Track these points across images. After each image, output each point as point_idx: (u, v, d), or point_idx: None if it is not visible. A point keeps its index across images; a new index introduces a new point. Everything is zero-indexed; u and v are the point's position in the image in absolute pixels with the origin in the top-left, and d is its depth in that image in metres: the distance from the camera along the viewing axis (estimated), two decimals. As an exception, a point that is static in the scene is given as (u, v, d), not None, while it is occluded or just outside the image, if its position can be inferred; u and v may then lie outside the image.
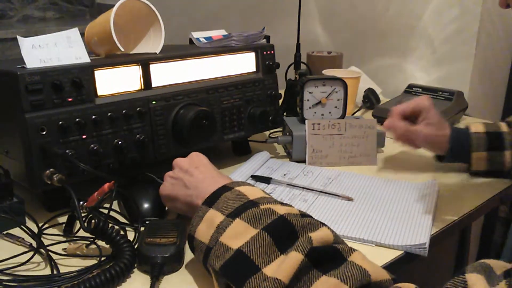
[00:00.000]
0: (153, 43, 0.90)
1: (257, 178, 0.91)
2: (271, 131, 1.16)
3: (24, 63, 0.72)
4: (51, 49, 0.75)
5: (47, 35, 0.75)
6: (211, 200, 0.62)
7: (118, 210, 0.80)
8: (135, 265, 0.64)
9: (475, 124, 0.95)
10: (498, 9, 1.39)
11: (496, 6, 1.39)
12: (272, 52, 1.00)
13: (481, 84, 1.46)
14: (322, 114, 1.05)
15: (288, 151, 1.06)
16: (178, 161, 0.75)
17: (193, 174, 0.70)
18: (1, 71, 0.74)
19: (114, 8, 0.82)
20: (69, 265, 0.65)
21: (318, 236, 0.52)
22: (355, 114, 1.32)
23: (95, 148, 0.76)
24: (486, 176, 0.95)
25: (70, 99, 0.74)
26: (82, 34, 0.81)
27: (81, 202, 0.67)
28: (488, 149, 0.91)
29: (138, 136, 0.81)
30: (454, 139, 0.93)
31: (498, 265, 0.44)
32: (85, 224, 0.65)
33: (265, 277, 0.50)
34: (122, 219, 0.77)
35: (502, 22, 1.44)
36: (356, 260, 0.50)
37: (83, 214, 0.66)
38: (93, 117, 0.76)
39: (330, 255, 0.51)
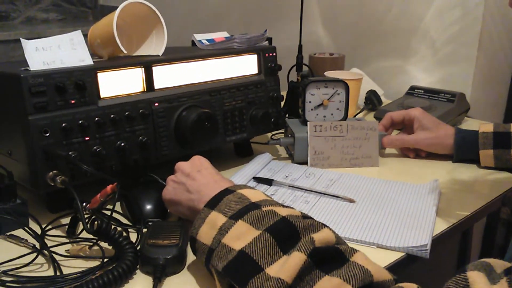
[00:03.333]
0: (155, 46, 0.90)
1: (259, 180, 0.91)
2: (273, 133, 1.16)
3: (28, 65, 0.72)
4: (54, 52, 0.75)
5: (51, 38, 0.75)
6: (213, 203, 0.62)
7: (120, 211, 0.80)
8: (138, 267, 0.64)
9: (485, 125, 1.00)
10: (500, 10, 1.39)
11: (498, 7, 1.39)
12: (274, 54, 1.01)
13: (483, 85, 1.45)
14: (324, 116, 1.05)
15: (290, 153, 1.07)
16: (180, 165, 0.75)
17: (195, 178, 0.71)
18: (5, 73, 0.75)
19: (117, 11, 0.82)
20: (72, 266, 0.65)
21: (320, 237, 0.52)
22: (357, 116, 1.32)
23: (98, 150, 0.76)
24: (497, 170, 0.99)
25: (73, 101, 0.74)
26: (85, 36, 0.81)
27: (84, 204, 0.67)
28: (495, 147, 0.96)
29: (140, 138, 0.81)
30: (460, 138, 1.00)
31: (499, 264, 0.44)
32: (88, 225, 0.65)
33: (268, 277, 0.50)
34: (124, 221, 0.78)
35: (504, 24, 1.44)
36: (358, 260, 0.50)
37: (86, 216, 0.66)
38: (96, 119, 0.76)
39: (333, 256, 0.51)
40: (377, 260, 0.53)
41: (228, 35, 1.01)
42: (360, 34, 1.67)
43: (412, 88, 1.38)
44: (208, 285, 0.62)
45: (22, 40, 0.73)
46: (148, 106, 0.82)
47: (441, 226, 0.78)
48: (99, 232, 0.65)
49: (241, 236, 0.55)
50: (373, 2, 1.62)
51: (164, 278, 0.63)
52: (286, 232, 0.54)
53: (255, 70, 0.99)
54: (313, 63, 1.42)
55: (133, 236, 0.71)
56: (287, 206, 0.60)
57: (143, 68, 0.83)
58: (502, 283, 0.41)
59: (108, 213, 0.70)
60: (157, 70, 0.84)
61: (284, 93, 1.10)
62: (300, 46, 1.27)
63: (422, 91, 1.35)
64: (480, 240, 1.60)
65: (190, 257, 0.66)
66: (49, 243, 0.69)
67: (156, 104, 0.83)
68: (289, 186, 0.89)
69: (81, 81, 0.74)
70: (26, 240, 0.70)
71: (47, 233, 0.73)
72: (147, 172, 0.84)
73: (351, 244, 0.55)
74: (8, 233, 0.73)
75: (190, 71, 0.90)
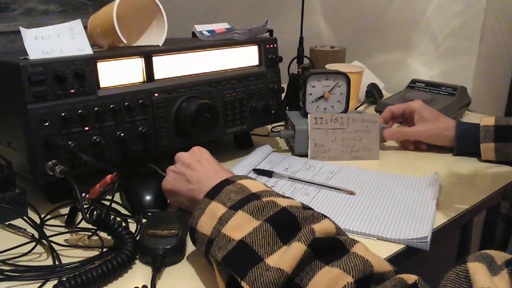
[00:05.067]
0: (156, 36, 0.90)
1: (259, 172, 0.91)
2: (274, 125, 1.16)
3: (27, 55, 0.72)
4: (54, 41, 0.75)
5: (50, 27, 0.75)
6: (213, 193, 0.62)
7: (120, 202, 0.80)
8: (137, 257, 0.64)
9: (486, 118, 0.99)
10: (502, 4, 1.39)
11: (500, 1, 1.38)
12: (275, 45, 1.00)
13: (484, 79, 1.45)
14: (325, 108, 1.04)
15: (290, 145, 1.06)
16: (180, 155, 0.75)
17: (195, 169, 0.70)
18: (4, 62, 0.74)
19: (117, 0, 0.82)
20: (71, 256, 0.65)
21: (320, 228, 0.52)
22: (358, 109, 1.32)
23: (97, 140, 0.76)
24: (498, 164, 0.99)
25: (72, 91, 0.74)
26: (85, 27, 0.81)
27: (83, 194, 0.67)
28: (496, 140, 0.96)
29: (140, 128, 0.81)
30: (461, 131, 1.00)
31: (499, 256, 0.44)
32: (87, 215, 0.65)
33: (268, 267, 0.50)
34: (124, 211, 0.78)
35: (506, 17, 1.43)
36: (358, 251, 0.50)
37: (85, 206, 0.66)
38: (96, 109, 0.76)
39: (333, 246, 0.51)
40: (378, 252, 0.53)
41: (229, 26, 1.00)
42: (362, 27, 1.66)
43: (413, 81, 1.37)
44: (208, 276, 0.62)
45: (22, 29, 0.73)
46: (148, 96, 0.82)
47: (441, 219, 0.77)
48: (98, 222, 0.65)
49: (241, 226, 0.55)
50: (374, -5, 1.61)
51: (163, 268, 0.63)
52: (286, 222, 0.54)
53: (255, 62, 0.99)
54: (314, 55, 1.41)
55: (133, 227, 0.71)
56: (287, 197, 0.60)
57: (143, 58, 0.82)
58: (502, 274, 0.41)
59: (108, 203, 0.70)
60: (157, 60, 0.84)
61: (284, 85, 1.10)
62: (301, 39, 1.26)
63: (423, 85, 1.34)
64: (480, 235, 1.60)
65: (190, 247, 0.66)
66: (48, 233, 0.69)
67: (156, 94, 0.83)
68: (289, 178, 0.89)
69: (80, 71, 0.74)
70: (25, 230, 0.70)
71: (46, 222, 0.73)
72: (147, 162, 0.83)
73: (352, 236, 0.55)
74: (7, 223, 0.72)
75: (191, 61, 0.89)
